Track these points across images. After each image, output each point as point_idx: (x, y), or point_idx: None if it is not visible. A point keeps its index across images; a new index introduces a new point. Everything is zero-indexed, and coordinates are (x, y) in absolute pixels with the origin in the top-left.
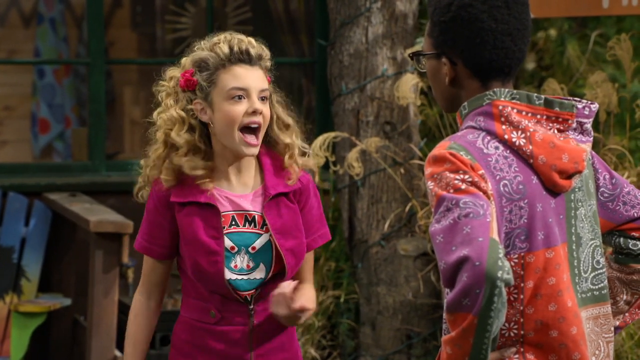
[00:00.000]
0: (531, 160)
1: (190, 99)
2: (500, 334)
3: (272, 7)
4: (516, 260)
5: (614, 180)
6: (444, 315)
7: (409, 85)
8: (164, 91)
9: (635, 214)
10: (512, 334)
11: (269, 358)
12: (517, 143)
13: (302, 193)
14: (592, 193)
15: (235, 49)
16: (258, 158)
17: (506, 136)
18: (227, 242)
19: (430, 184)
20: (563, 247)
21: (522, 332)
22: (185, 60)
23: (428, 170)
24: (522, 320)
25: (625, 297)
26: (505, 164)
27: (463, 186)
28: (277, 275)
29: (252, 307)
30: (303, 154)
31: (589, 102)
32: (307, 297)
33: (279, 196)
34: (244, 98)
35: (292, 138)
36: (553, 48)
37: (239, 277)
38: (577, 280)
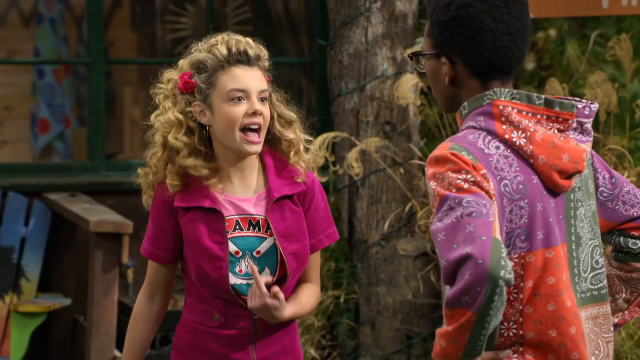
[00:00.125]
0: (531, 160)
1: (189, 101)
2: (499, 333)
3: (271, 7)
4: (516, 260)
5: (613, 180)
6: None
7: (408, 85)
8: (162, 93)
9: (635, 213)
10: (511, 334)
11: None
12: (517, 143)
13: (306, 194)
14: (592, 193)
15: (234, 50)
16: (261, 159)
17: (506, 136)
18: (232, 247)
19: (432, 184)
20: (563, 246)
21: (521, 332)
22: (183, 62)
23: (430, 171)
24: (521, 319)
25: (624, 295)
26: (505, 164)
27: (465, 186)
28: (282, 279)
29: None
30: (308, 150)
31: (589, 102)
32: (296, 297)
33: (283, 199)
34: (244, 99)
35: (296, 133)
36: (553, 48)
37: (244, 281)
38: (576, 280)
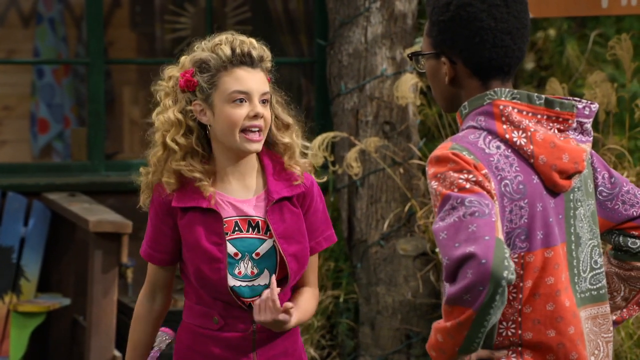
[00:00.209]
0: (532, 160)
1: (189, 100)
2: (498, 332)
3: (271, 7)
4: (516, 260)
5: (612, 180)
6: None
7: (408, 85)
8: (163, 90)
9: (634, 213)
10: (509, 333)
11: None
12: (518, 143)
13: (305, 196)
14: (591, 193)
15: (238, 51)
16: (260, 160)
17: (507, 136)
18: (231, 249)
19: (434, 184)
20: (562, 247)
21: (519, 332)
22: (185, 59)
23: (431, 171)
24: (520, 319)
25: (622, 293)
26: (506, 164)
27: (467, 185)
28: (281, 281)
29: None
30: (304, 154)
31: (589, 102)
32: (298, 304)
33: (282, 200)
34: (246, 101)
35: (291, 138)
36: (552, 48)
37: (243, 283)
38: (576, 280)
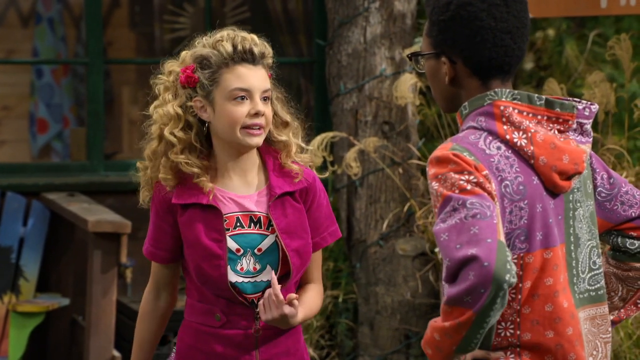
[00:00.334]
0: (532, 161)
1: (189, 96)
2: (496, 333)
3: (270, 7)
4: (515, 261)
5: (611, 180)
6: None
7: (407, 85)
8: (162, 84)
9: (633, 214)
10: (508, 334)
11: None
12: (518, 143)
13: (308, 192)
14: (590, 193)
15: (239, 47)
16: (261, 156)
17: (507, 136)
18: (232, 244)
19: (434, 185)
20: (561, 247)
21: (518, 332)
22: (186, 54)
23: (432, 171)
24: (518, 320)
25: (620, 293)
26: (506, 165)
27: (469, 187)
28: (284, 277)
29: (257, 310)
30: (302, 151)
31: (589, 102)
32: (303, 300)
33: (284, 195)
34: (247, 99)
35: (288, 136)
36: (551, 48)
37: (245, 279)
38: (575, 281)
